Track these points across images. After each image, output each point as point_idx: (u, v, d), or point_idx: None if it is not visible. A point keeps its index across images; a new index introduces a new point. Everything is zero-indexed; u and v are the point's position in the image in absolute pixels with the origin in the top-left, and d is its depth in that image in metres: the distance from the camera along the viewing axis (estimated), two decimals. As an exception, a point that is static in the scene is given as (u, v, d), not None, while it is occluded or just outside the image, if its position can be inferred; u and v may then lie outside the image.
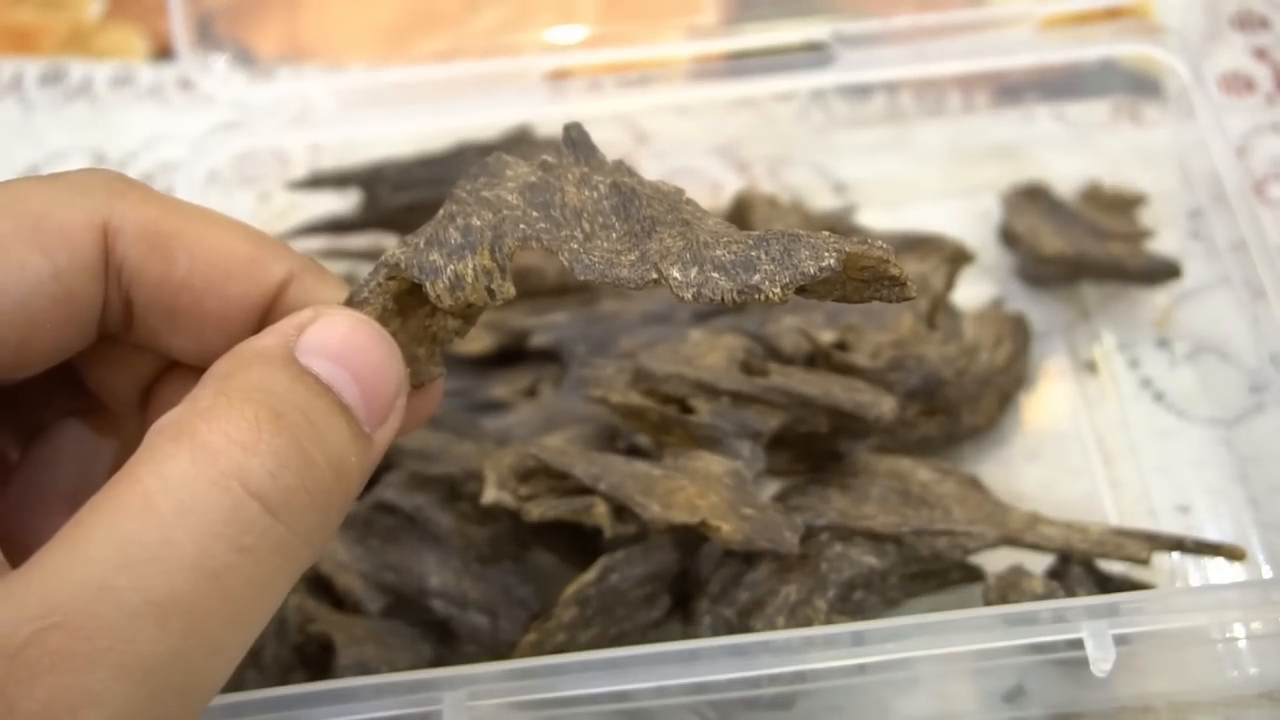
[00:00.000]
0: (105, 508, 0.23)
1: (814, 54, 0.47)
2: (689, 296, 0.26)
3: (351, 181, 0.47)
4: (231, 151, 0.46)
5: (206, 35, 0.48)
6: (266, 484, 0.23)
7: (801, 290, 0.27)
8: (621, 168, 0.29)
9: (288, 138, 0.49)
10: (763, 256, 0.26)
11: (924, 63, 0.47)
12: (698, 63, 0.51)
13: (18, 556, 0.31)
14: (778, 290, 0.26)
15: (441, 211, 0.28)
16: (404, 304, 0.28)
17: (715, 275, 0.26)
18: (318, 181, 0.48)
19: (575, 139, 0.29)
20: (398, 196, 0.46)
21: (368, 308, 0.28)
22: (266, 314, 0.29)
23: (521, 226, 0.27)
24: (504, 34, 0.51)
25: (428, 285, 0.27)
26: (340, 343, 0.26)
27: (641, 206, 0.28)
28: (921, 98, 0.52)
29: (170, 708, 0.22)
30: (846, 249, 0.26)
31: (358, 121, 0.48)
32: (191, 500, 0.22)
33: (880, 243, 0.26)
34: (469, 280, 0.27)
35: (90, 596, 0.22)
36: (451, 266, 0.27)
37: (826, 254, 0.26)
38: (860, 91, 0.52)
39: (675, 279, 0.26)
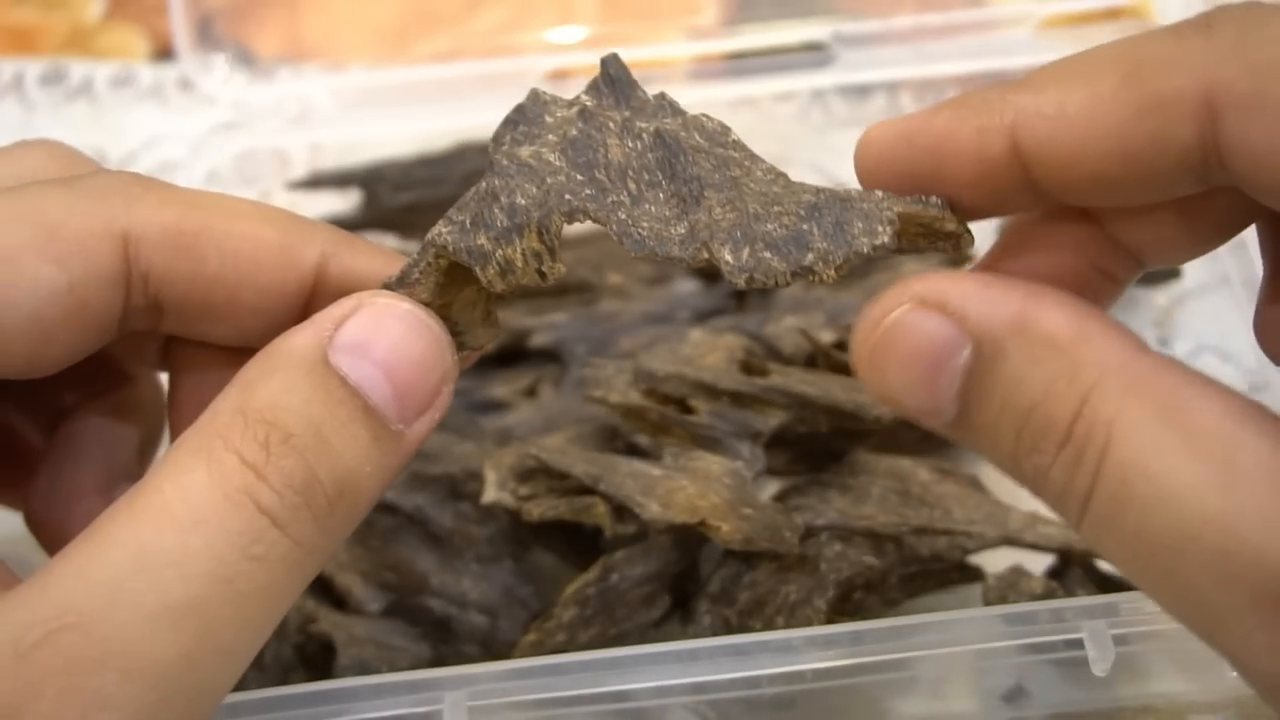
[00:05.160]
0: (124, 515, 0.23)
1: (814, 54, 0.47)
2: (742, 282, 0.25)
3: (351, 181, 0.47)
4: (231, 151, 0.46)
5: (206, 35, 0.49)
6: (274, 503, 0.24)
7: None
8: (664, 104, 0.28)
9: (288, 138, 0.50)
10: (815, 231, 0.26)
11: (924, 63, 0.47)
12: (698, 63, 0.51)
13: (55, 543, 0.31)
14: (831, 272, 0.25)
15: (484, 184, 0.27)
16: (456, 274, 0.28)
17: (767, 255, 0.25)
18: (318, 181, 0.48)
19: (614, 76, 0.28)
20: (398, 196, 0.46)
21: (420, 288, 0.27)
22: (309, 295, 0.29)
23: (567, 197, 0.26)
24: (504, 34, 0.51)
25: (478, 271, 0.27)
26: (378, 338, 0.25)
27: (688, 164, 0.27)
28: (921, 98, 0.52)
29: (181, 711, 0.23)
30: (899, 209, 0.26)
31: (358, 121, 0.48)
32: (207, 511, 0.23)
33: (935, 199, 0.26)
34: (519, 265, 0.26)
35: (105, 599, 0.22)
36: (500, 251, 0.26)
37: (881, 229, 0.25)
38: (860, 91, 0.52)
39: (727, 263, 0.26)
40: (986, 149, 0.25)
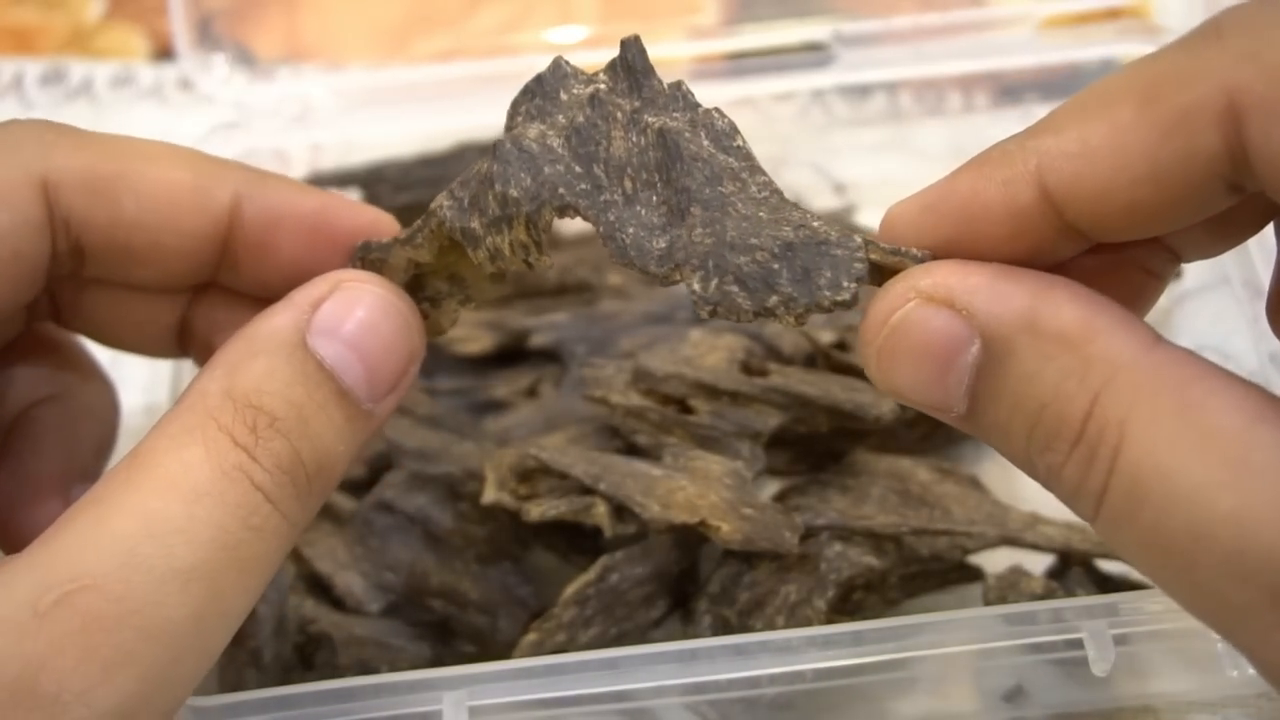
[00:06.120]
0: (124, 486, 0.24)
1: (814, 54, 0.47)
2: (705, 314, 0.26)
3: (351, 181, 0.47)
4: (231, 151, 0.46)
5: (206, 35, 0.49)
6: (265, 480, 0.25)
7: None
8: (678, 95, 0.27)
9: (288, 138, 0.49)
10: (784, 274, 0.25)
11: (924, 63, 0.47)
12: (698, 63, 0.51)
13: (13, 544, 0.31)
14: (791, 320, 0.25)
15: (486, 165, 0.27)
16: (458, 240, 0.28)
17: (734, 289, 0.25)
18: (318, 182, 0.47)
19: (631, 61, 0.27)
20: (398, 196, 0.46)
21: (423, 250, 0.28)
22: (227, 235, 0.30)
23: (560, 191, 0.26)
24: (504, 34, 0.51)
25: (470, 251, 0.27)
26: (350, 322, 0.27)
27: (682, 173, 0.26)
28: (921, 98, 0.52)
29: (189, 669, 0.24)
30: (874, 258, 0.25)
31: (358, 121, 0.48)
32: (208, 484, 0.24)
33: (917, 251, 0.25)
34: (506, 253, 0.27)
35: (118, 563, 0.23)
36: (490, 238, 0.27)
37: (846, 284, 0.25)
38: (860, 91, 0.52)
39: (695, 291, 0.26)
40: (1015, 201, 0.24)
